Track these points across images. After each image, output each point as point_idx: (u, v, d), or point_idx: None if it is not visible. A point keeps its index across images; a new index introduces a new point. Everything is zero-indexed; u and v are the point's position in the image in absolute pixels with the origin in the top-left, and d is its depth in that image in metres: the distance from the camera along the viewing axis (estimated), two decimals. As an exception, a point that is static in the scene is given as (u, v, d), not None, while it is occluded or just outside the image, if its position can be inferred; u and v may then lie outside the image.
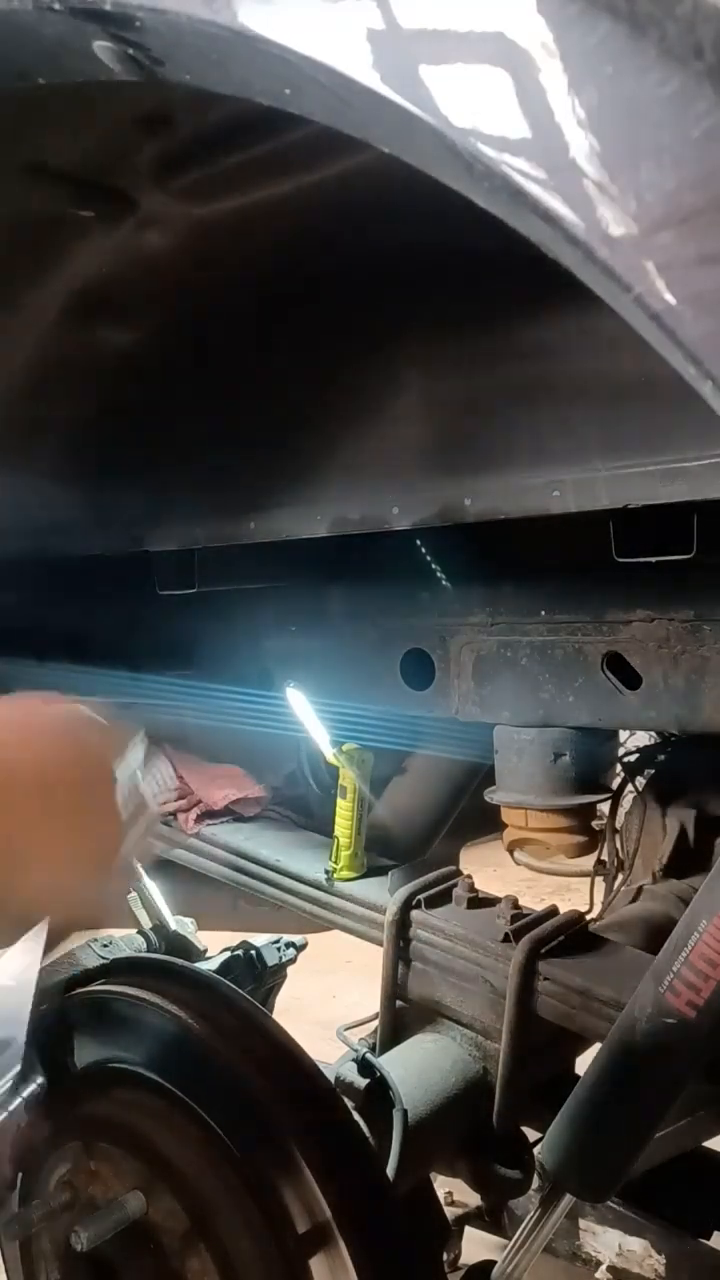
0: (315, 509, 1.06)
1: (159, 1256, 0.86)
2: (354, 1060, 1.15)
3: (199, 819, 1.54)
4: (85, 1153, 0.92)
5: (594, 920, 1.45)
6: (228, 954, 1.18)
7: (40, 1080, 0.94)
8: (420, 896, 1.25)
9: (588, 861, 1.68)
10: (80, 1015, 1.02)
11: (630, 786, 1.67)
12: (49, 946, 0.83)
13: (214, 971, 1.10)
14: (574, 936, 1.18)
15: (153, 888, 1.15)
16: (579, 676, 1.13)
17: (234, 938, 1.30)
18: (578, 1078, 1.01)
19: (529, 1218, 0.99)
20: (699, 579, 1.02)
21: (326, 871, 1.39)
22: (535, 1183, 1.08)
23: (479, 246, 0.67)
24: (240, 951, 1.18)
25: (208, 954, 1.35)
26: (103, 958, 1.07)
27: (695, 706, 1.05)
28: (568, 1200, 0.98)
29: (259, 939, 1.22)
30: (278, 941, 1.21)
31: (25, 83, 0.60)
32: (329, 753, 1.40)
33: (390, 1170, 1.03)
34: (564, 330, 0.85)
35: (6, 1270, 1.05)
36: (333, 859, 1.39)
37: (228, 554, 1.22)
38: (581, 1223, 1.49)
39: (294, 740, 1.58)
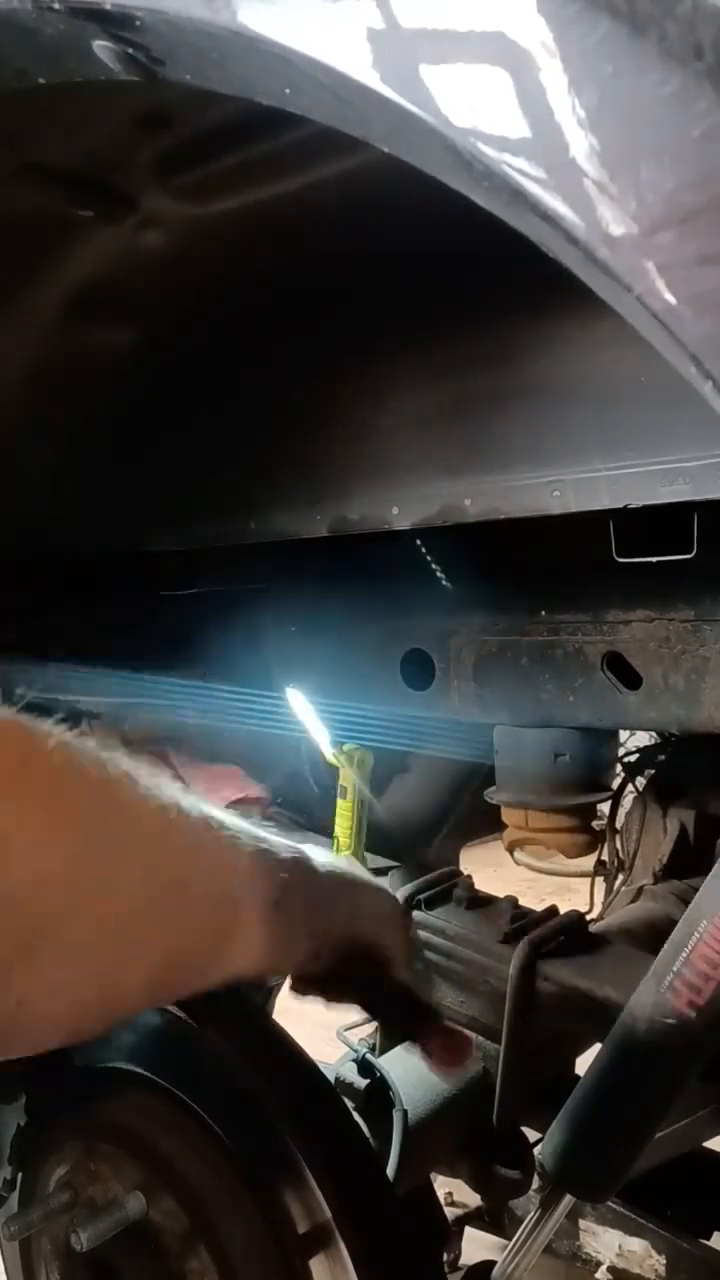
0: (315, 509, 1.06)
1: (159, 1257, 0.86)
2: (354, 1061, 1.15)
3: (199, 819, 1.54)
4: (85, 1153, 0.92)
5: (594, 920, 1.45)
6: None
7: None
8: (420, 896, 1.25)
9: (588, 861, 1.68)
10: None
11: (630, 786, 1.67)
12: None
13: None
14: (574, 937, 1.18)
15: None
16: (579, 676, 1.13)
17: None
18: (578, 1078, 1.00)
19: (529, 1218, 0.98)
20: (699, 579, 1.02)
21: (326, 872, 1.39)
22: (535, 1183, 1.08)
23: (480, 246, 0.67)
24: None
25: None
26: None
27: (695, 706, 1.05)
28: (568, 1201, 0.98)
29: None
30: (278, 942, 1.21)
31: (25, 83, 0.60)
32: (329, 753, 1.40)
33: (390, 1171, 1.03)
34: (564, 329, 0.85)
35: (6, 1270, 1.05)
36: (333, 859, 1.39)
37: (228, 554, 1.22)
38: (582, 1223, 1.49)
39: (294, 740, 1.58)
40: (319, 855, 0.74)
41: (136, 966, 0.56)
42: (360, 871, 0.82)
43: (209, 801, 0.64)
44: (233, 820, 0.65)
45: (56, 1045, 0.58)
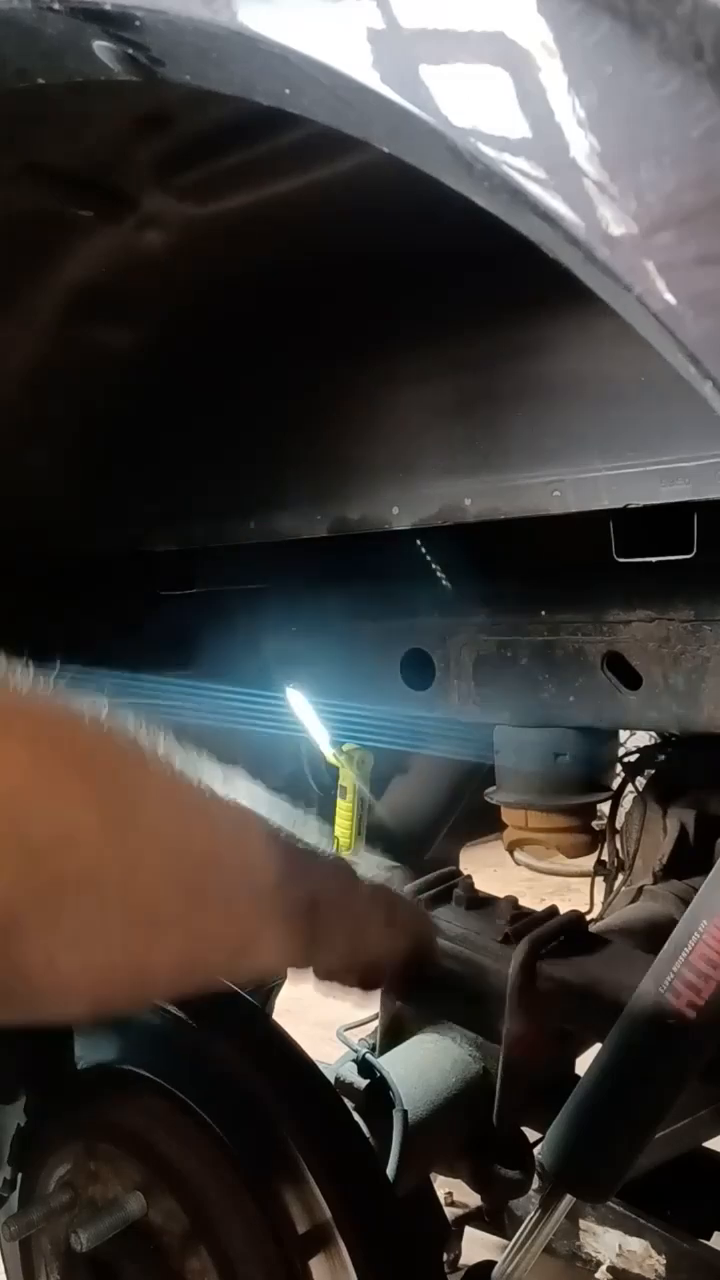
0: (315, 509, 1.06)
1: (159, 1257, 0.86)
2: (354, 1060, 1.15)
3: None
4: (86, 1153, 0.92)
5: (594, 920, 1.45)
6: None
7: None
8: (420, 897, 1.25)
9: (588, 861, 1.68)
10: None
11: (630, 786, 1.67)
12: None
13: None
14: (574, 936, 1.17)
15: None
16: (579, 676, 1.13)
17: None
18: (578, 1078, 1.01)
19: (529, 1218, 0.98)
20: (699, 579, 1.02)
21: (326, 872, 1.39)
22: (535, 1183, 1.08)
23: (480, 246, 0.67)
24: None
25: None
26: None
27: (695, 706, 1.05)
28: (568, 1201, 0.98)
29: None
30: (278, 942, 1.21)
31: (25, 83, 0.60)
32: (329, 753, 1.40)
33: (390, 1171, 1.03)
34: (564, 330, 0.85)
35: (6, 1270, 1.05)
36: (333, 859, 1.39)
37: (228, 554, 1.22)
38: (582, 1223, 1.49)
39: (294, 740, 1.58)
40: (360, 867, 0.74)
41: (164, 944, 0.56)
42: (396, 885, 0.82)
43: (240, 795, 0.64)
44: (268, 817, 0.65)
45: (83, 1014, 0.59)
